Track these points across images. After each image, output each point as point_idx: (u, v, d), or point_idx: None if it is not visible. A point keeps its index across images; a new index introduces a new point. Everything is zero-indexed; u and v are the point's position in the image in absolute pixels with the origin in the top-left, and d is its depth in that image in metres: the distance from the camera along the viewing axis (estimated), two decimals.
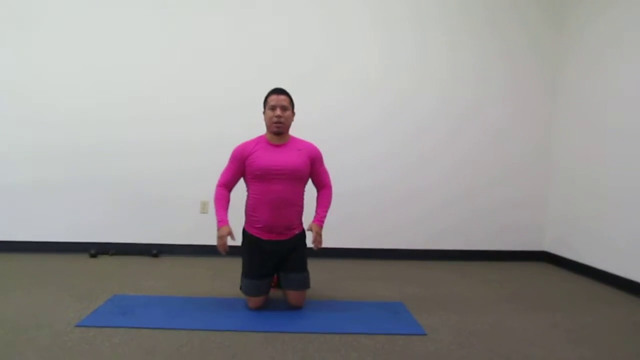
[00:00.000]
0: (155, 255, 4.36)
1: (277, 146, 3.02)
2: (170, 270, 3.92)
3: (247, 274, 3.02)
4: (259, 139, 3.07)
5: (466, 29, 4.66)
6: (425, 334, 2.68)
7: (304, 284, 3.06)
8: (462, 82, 4.67)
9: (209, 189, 4.41)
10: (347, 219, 4.53)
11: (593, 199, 4.18)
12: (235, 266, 3.85)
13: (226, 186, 3.08)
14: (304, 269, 3.07)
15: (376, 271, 4.14)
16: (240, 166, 3.03)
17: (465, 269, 4.31)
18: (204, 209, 4.48)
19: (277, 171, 2.94)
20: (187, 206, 4.49)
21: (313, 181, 3.17)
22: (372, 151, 4.61)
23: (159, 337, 2.50)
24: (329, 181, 3.22)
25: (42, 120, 4.35)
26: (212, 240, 4.39)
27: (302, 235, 3.11)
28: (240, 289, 3.07)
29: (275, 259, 3.03)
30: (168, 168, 4.46)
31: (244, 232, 3.09)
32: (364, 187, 4.61)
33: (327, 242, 4.26)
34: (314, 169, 3.10)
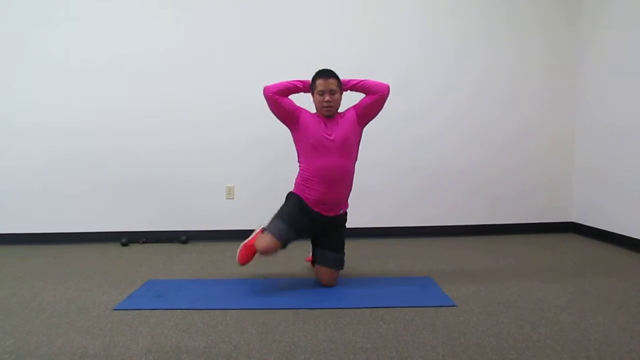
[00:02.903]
0: (185, 242, 4.45)
1: (328, 119, 3.07)
2: (200, 256, 4.00)
3: (281, 216, 3.04)
4: (315, 114, 3.13)
5: (506, 14, 4.66)
6: (454, 305, 2.71)
7: (339, 264, 3.11)
8: (503, 66, 4.68)
9: (232, 175, 4.55)
10: (372, 199, 4.59)
11: (619, 169, 4.13)
12: None
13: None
14: (341, 249, 3.13)
15: (402, 249, 4.17)
16: (293, 109, 3.08)
17: (491, 243, 4.31)
18: (229, 195, 4.55)
19: (329, 141, 2.99)
20: (213, 193, 4.56)
21: (372, 106, 3.13)
22: (411, 136, 4.63)
23: (194, 317, 2.58)
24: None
25: (69, 132, 4.47)
26: (239, 225, 4.54)
27: (345, 215, 3.18)
28: (264, 229, 3.08)
29: (315, 228, 3.07)
30: (193, 158, 4.54)
31: (292, 194, 3.12)
32: (398, 170, 4.64)
33: (353, 222, 4.33)
34: (361, 107, 3.13)
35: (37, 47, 4.40)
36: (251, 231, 4.45)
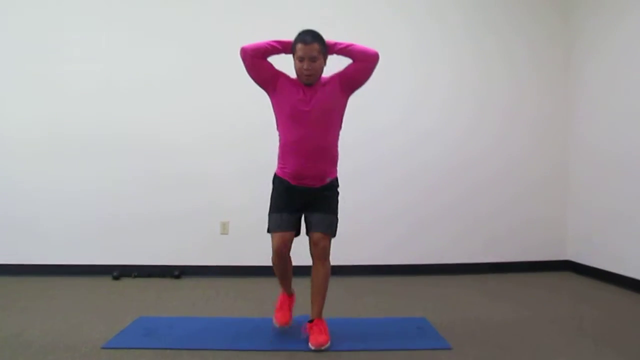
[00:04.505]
0: (178, 277, 4.39)
1: (308, 87, 2.80)
2: (193, 291, 3.93)
3: (273, 208, 2.87)
4: (294, 80, 2.85)
5: (497, 44, 4.74)
6: (450, 348, 2.66)
7: (331, 226, 2.86)
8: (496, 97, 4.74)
9: (227, 211, 4.52)
10: (364, 235, 4.54)
11: (615, 203, 4.14)
12: (258, 286, 3.90)
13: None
14: (330, 211, 2.88)
15: (396, 287, 4.12)
16: (272, 73, 2.83)
17: (486, 282, 4.27)
18: (224, 230, 4.51)
19: (305, 111, 2.76)
20: (207, 227, 4.52)
21: (358, 74, 2.83)
22: (404, 173, 4.63)
23: (185, 357, 2.52)
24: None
25: (61, 159, 4.48)
26: (233, 261, 4.49)
27: (335, 181, 2.95)
28: (268, 231, 2.88)
29: (304, 199, 2.84)
30: (187, 191, 4.52)
31: (275, 177, 2.94)
32: (391, 208, 4.61)
33: (346, 260, 4.29)
34: (346, 75, 2.84)
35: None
36: (245, 267, 4.45)
